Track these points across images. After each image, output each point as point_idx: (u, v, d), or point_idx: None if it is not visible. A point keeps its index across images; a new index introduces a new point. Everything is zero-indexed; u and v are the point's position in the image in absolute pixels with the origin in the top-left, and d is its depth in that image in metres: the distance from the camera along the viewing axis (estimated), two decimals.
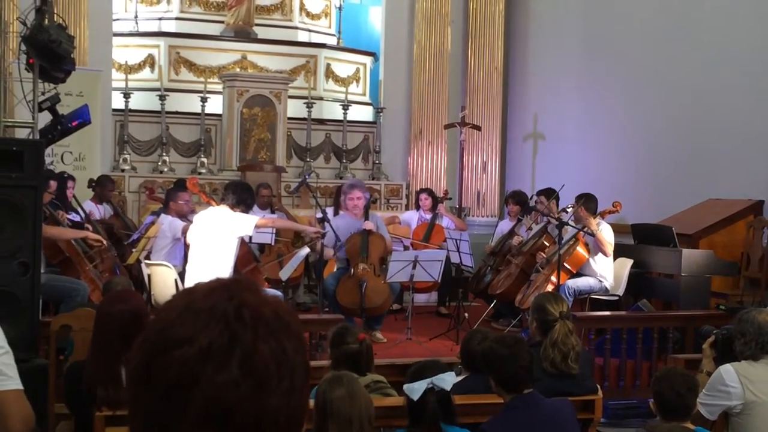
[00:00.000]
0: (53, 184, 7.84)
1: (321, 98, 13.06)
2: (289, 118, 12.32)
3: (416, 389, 3.70)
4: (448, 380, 3.75)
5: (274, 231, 9.00)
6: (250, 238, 8.25)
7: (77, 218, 8.59)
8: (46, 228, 6.91)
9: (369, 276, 8.16)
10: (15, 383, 2.91)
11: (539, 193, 9.76)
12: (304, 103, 12.50)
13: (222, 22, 13.03)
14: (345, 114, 12.76)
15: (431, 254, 8.38)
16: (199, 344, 1.07)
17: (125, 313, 4.17)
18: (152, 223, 8.57)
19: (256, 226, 7.25)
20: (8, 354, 2.92)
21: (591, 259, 8.44)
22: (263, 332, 1.09)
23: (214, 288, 1.14)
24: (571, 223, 8.44)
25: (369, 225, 8.41)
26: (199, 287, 1.15)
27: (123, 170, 11.72)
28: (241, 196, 7.14)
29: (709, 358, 4.79)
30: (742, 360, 4.43)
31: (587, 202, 8.49)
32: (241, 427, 1.06)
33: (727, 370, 4.35)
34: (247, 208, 7.27)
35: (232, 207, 7.08)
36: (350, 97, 12.97)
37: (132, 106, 11.92)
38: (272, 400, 1.08)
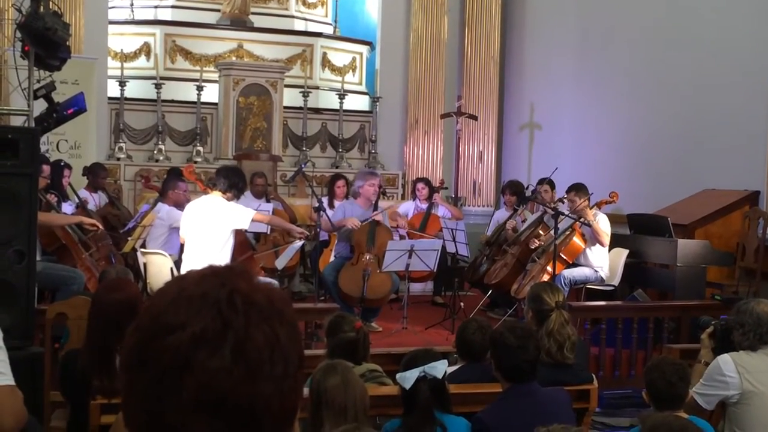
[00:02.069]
0: (46, 168, 7.81)
1: (317, 87, 13.04)
2: (285, 107, 12.31)
3: (408, 378, 3.70)
4: (440, 368, 3.75)
5: None
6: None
7: (71, 207, 8.57)
8: (40, 215, 6.90)
9: (373, 267, 8.16)
10: (7, 379, 2.90)
11: (543, 181, 9.73)
12: (300, 92, 12.48)
13: (218, 10, 13.01)
14: (341, 103, 12.75)
15: (427, 244, 8.40)
16: (192, 330, 1.06)
17: (120, 302, 4.17)
18: (148, 211, 8.57)
19: (252, 221, 7.21)
20: (2, 350, 2.91)
21: (587, 249, 8.45)
22: (256, 319, 1.09)
23: (206, 275, 1.14)
24: (567, 213, 8.45)
25: (378, 215, 8.43)
26: (191, 274, 1.15)
27: (118, 159, 11.70)
28: (232, 181, 7.09)
29: (707, 349, 4.79)
30: (740, 350, 4.44)
31: (581, 192, 8.49)
32: (234, 412, 1.06)
33: (725, 360, 4.36)
34: (239, 192, 7.21)
35: (224, 192, 7.03)
36: (346, 87, 12.95)
37: (128, 94, 11.90)
38: (265, 387, 1.08)
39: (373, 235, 8.35)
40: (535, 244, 8.68)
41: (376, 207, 8.55)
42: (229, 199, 7.08)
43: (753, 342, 4.41)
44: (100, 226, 7.57)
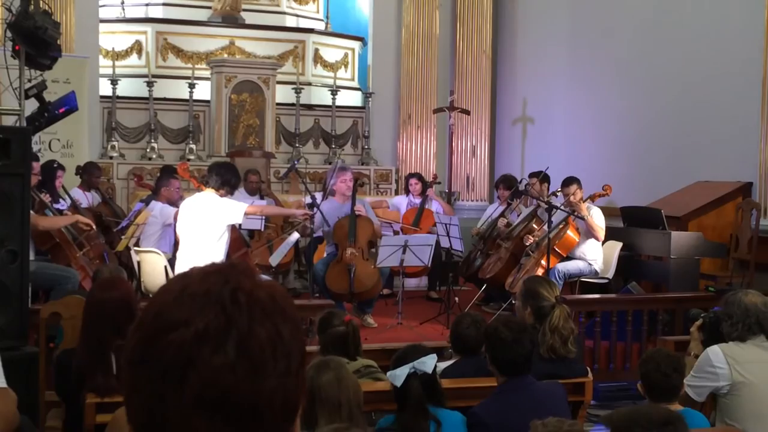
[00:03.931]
0: (36, 165, 7.78)
1: (309, 83, 13.03)
2: (278, 104, 12.29)
3: (399, 376, 3.71)
4: (429, 363, 3.75)
5: (264, 217, 8.98)
6: (240, 224, 8.23)
7: (64, 207, 8.55)
8: (39, 220, 6.90)
9: (357, 260, 8.16)
10: None
11: (531, 175, 9.75)
12: (293, 88, 12.47)
13: (209, 7, 12.98)
14: (334, 99, 12.74)
15: (421, 239, 8.39)
16: (195, 327, 1.07)
17: (115, 301, 4.17)
18: (141, 209, 8.55)
19: (245, 214, 7.18)
20: None
21: (581, 243, 8.46)
22: (259, 316, 1.09)
23: (210, 272, 1.14)
24: (561, 206, 8.46)
25: (359, 209, 8.42)
26: (194, 271, 1.15)
27: (111, 157, 11.69)
28: (225, 177, 7.02)
29: (696, 341, 4.81)
30: (729, 341, 4.46)
31: (579, 184, 8.51)
32: (237, 409, 1.07)
33: (715, 351, 4.38)
34: (232, 189, 7.14)
35: (217, 189, 6.99)
36: (339, 82, 12.94)
37: (119, 92, 11.88)
38: (268, 383, 1.08)
39: (353, 228, 8.33)
40: (530, 240, 8.67)
41: (353, 200, 8.52)
42: (222, 196, 7.04)
43: (742, 333, 4.43)
44: (94, 227, 7.56)
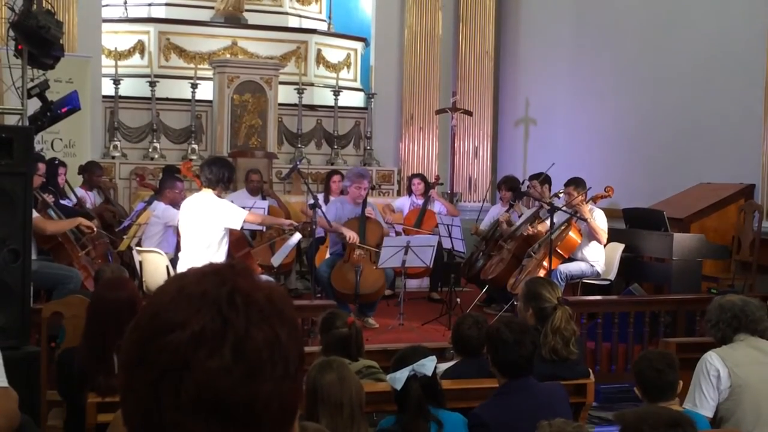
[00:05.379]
0: (42, 166, 7.79)
1: (312, 84, 13.03)
2: (280, 104, 12.29)
3: (399, 379, 3.70)
4: (428, 365, 3.74)
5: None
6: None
7: (70, 204, 8.56)
8: (47, 224, 6.90)
9: (365, 262, 8.16)
10: (0, 380, 2.89)
11: (531, 177, 9.76)
12: (295, 89, 12.47)
13: (212, 7, 12.99)
14: (336, 100, 12.74)
15: (423, 240, 8.39)
16: (191, 329, 1.05)
17: (121, 300, 4.15)
18: (143, 209, 8.55)
19: (244, 222, 7.10)
20: None
21: (583, 244, 8.45)
22: (256, 318, 1.08)
23: (207, 273, 1.13)
24: (563, 208, 8.45)
25: (369, 212, 8.43)
26: (191, 272, 1.14)
27: (113, 157, 11.70)
28: (217, 175, 6.84)
29: None
30: (722, 345, 4.45)
31: (580, 186, 8.50)
32: (234, 412, 1.05)
33: (711, 356, 4.35)
34: (226, 185, 7.02)
35: (214, 188, 6.87)
36: (341, 83, 12.94)
37: (122, 92, 11.89)
38: (265, 386, 1.07)
39: (363, 230, 8.34)
40: (529, 231, 8.67)
41: (364, 205, 8.53)
42: (218, 194, 6.94)
43: (726, 331, 4.44)
44: (95, 229, 7.56)
